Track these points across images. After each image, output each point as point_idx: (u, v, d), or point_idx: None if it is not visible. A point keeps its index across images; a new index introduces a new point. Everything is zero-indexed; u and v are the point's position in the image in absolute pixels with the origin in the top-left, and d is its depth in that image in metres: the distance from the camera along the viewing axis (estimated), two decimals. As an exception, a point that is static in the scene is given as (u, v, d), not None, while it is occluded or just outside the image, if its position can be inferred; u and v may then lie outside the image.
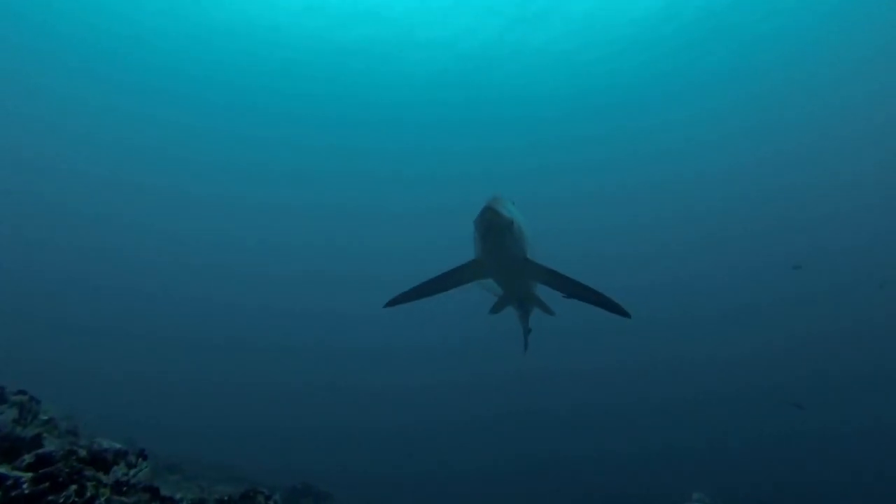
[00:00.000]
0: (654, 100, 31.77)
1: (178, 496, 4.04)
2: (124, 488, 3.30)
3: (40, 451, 3.17)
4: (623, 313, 5.95)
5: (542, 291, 7.82)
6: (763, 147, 34.91)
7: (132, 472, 3.57)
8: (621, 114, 32.79)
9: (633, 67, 28.94)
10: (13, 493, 2.56)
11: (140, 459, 3.82)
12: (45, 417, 5.09)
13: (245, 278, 40.54)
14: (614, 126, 33.91)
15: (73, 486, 2.74)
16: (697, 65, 28.96)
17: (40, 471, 2.75)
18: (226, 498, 4.33)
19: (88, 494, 2.80)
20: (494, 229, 5.42)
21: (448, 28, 26.31)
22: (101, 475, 3.09)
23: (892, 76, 29.11)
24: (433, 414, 29.95)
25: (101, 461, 3.43)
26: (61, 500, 2.63)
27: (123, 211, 38.34)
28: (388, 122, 33.80)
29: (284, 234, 41.01)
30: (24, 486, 2.61)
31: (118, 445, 3.67)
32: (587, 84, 30.34)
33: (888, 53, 27.65)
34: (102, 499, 2.85)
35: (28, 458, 3.08)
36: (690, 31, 26.31)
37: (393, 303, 6.74)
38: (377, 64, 29.25)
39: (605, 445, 26.54)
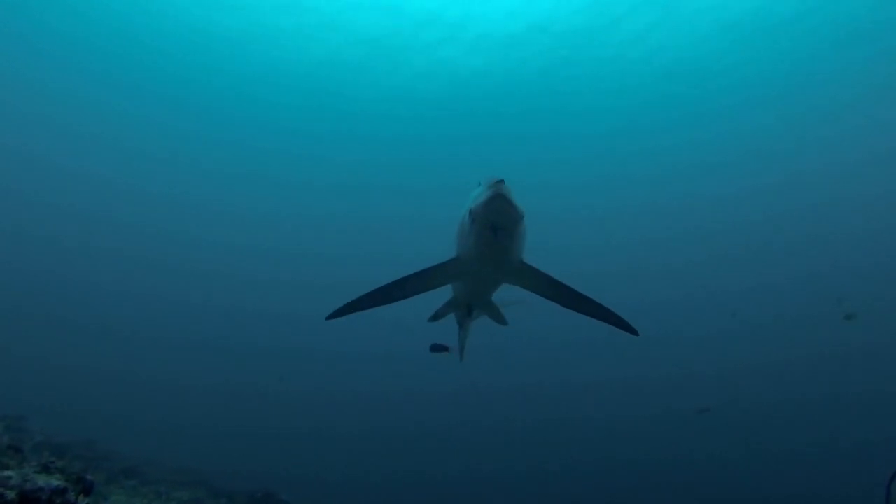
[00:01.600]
0: (668, 119, 31.41)
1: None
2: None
3: (-37, 493, 2.86)
4: (630, 330, 5.32)
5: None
6: (760, 173, 34.68)
7: (68, 515, 3.26)
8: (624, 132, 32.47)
9: (639, 86, 28.71)
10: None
11: (81, 496, 3.51)
12: (-15, 435, 4.74)
13: (215, 278, 39.75)
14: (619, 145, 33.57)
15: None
16: (710, 86, 28.76)
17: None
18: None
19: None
20: (505, 223, 4.32)
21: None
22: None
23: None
24: (404, 421, 29.66)
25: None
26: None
27: (91, 204, 37.30)
28: (387, 131, 33.43)
29: (259, 238, 40.27)
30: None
31: (56, 483, 3.35)
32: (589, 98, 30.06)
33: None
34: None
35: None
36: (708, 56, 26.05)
37: (340, 313, 5.37)
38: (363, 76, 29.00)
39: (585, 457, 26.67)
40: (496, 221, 4.28)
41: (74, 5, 25.29)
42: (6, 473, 3.57)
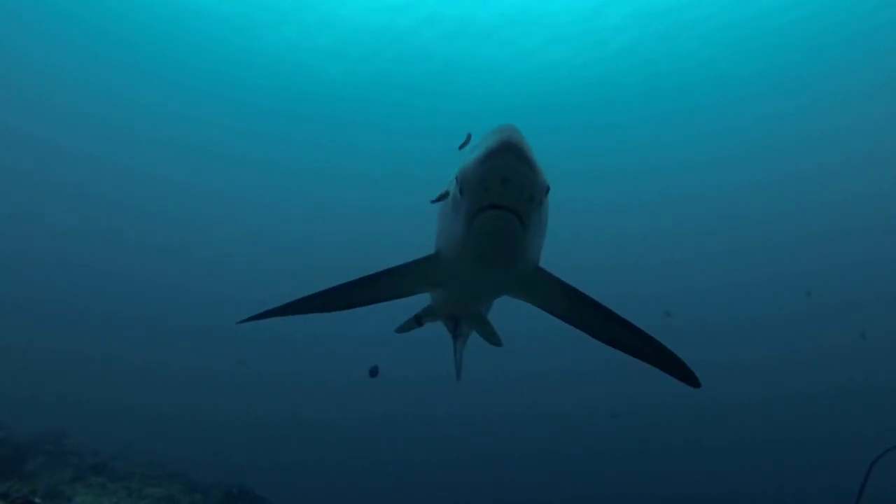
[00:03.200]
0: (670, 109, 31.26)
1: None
2: None
3: None
4: (692, 381, 3.40)
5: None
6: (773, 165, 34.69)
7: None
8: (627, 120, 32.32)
9: (645, 76, 28.47)
10: None
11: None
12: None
13: (194, 260, 39.05)
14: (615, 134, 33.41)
15: None
16: (714, 75, 28.54)
17: None
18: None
19: None
20: (517, 194, 2.41)
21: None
22: None
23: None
24: (392, 410, 29.36)
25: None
26: None
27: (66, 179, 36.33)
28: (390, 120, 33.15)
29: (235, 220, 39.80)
30: None
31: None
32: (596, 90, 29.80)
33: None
34: None
35: None
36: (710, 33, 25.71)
37: (256, 317, 3.90)
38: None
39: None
40: (501, 192, 2.38)
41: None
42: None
